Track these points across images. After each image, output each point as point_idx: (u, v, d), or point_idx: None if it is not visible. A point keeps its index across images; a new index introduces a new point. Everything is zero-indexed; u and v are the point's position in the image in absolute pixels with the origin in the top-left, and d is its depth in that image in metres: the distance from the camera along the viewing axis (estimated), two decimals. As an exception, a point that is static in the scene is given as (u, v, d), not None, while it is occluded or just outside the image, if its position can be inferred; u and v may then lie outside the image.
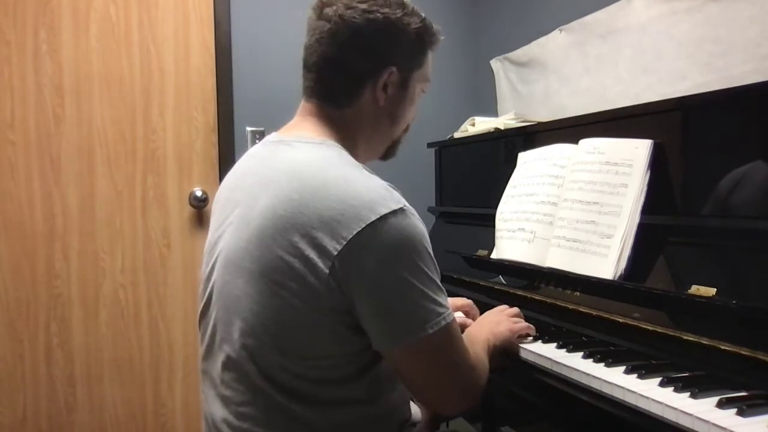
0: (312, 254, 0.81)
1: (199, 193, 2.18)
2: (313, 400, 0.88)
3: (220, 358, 0.93)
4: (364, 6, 0.92)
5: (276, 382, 0.87)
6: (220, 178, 2.21)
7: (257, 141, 2.28)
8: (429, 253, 0.86)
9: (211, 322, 0.96)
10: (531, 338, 1.17)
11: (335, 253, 0.80)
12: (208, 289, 0.98)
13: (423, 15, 0.99)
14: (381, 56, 0.94)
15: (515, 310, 1.21)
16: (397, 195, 0.86)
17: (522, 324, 1.17)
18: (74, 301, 2.05)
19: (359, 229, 0.80)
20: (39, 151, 2.01)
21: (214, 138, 2.22)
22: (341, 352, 0.87)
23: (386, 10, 0.93)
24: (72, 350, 2.05)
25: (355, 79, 0.95)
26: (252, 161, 1.00)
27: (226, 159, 2.22)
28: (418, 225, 0.85)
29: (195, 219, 2.20)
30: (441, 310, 0.85)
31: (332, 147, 0.93)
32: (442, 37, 1.04)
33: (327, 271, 0.81)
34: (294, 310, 0.83)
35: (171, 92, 2.16)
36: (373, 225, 0.80)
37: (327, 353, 0.87)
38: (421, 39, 0.99)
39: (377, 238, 0.80)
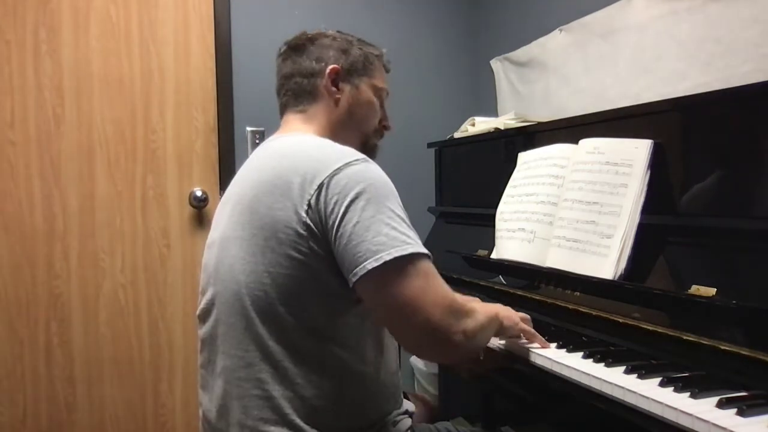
0: (291, 205, 0.92)
1: (199, 193, 2.18)
2: (312, 360, 0.94)
3: (220, 331, 1.00)
4: (305, 34, 1.17)
5: (274, 339, 0.94)
6: (220, 178, 2.22)
7: (257, 141, 2.28)
8: (395, 195, 0.94)
9: (209, 299, 1.04)
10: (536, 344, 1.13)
11: (309, 198, 0.91)
12: (207, 279, 1.06)
13: (357, 37, 1.19)
14: (322, 58, 1.13)
15: (526, 315, 1.18)
16: (359, 153, 0.98)
17: (529, 327, 1.14)
18: (74, 301, 2.05)
19: (327, 175, 0.92)
20: (39, 151, 2.01)
21: (214, 138, 2.22)
22: (330, 305, 0.94)
23: (322, 32, 1.17)
24: (72, 350, 2.05)
25: (306, 78, 1.12)
26: (245, 164, 1.13)
27: (226, 159, 2.22)
28: (381, 172, 0.96)
29: (195, 219, 2.20)
30: (407, 240, 0.90)
31: (309, 134, 1.10)
32: (385, 51, 1.22)
33: (306, 218, 0.91)
34: (284, 262, 0.92)
35: (171, 92, 2.16)
36: (338, 170, 0.92)
37: (318, 305, 0.94)
38: (361, 50, 1.16)
39: (342, 181, 0.91)
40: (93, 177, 2.07)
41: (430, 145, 2.16)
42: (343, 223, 0.89)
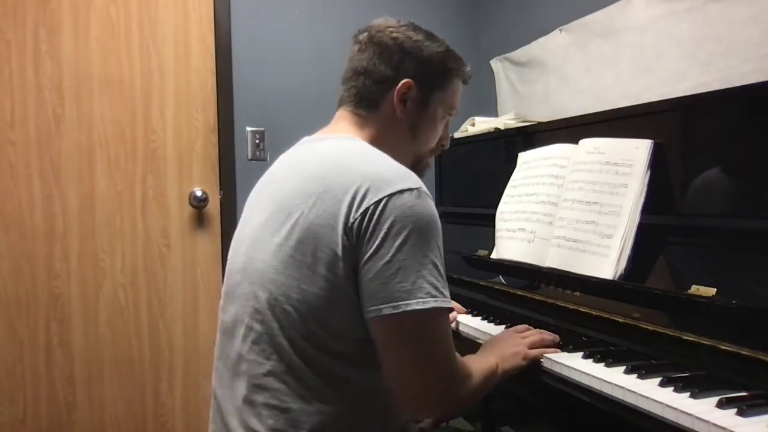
0: (334, 224, 0.88)
1: (199, 193, 2.18)
2: (333, 377, 0.91)
3: (240, 332, 0.96)
4: (391, 30, 1.06)
5: (297, 353, 0.90)
6: (221, 178, 2.22)
7: (257, 141, 2.28)
8: (436, 238, 0.89)
9: (235, 301, 1.00)
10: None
11: (352, 221, 0.87)
12: (234, 274, 1.02)
13: (448, 45, 1.10)
14: (399, 67, 1.04)
15: (524, 327, 1.17)
16: (416, 178, 0.92)
17: (535, 338, 1.11)
18: (74, 301, 2.05)
19: (376, 200, 0.86)
20: (39, 151, 2.01)
21: (214, 138, 2.22)
22: (352, 324, 0.90)
23: (410, 33, 1.06)
24: (72, 350, 2.05)
25: (377, 85, 1.04)
26: (285, 159, 1.07)
27: (226, 159, 2.22)
28: (431, 207, 0.90)
29: (195, 219, 2.20)
30: (433, 292, 0.86)
31: (360, 141, 1.02)
32: (468, 70, 1.13)
33: (345, 239, 0.87)
34: (318, 281, 0.89)
35: (171, 92, 2.16)
36: (389, 197, 0.87)
37: (341, 323, 0.90)
38: (444, 64, 1.07)
39: (390, 211, 0.86)
40: (93, 177, 2.07)
41: (430, 145, 2.15)
42: (376, 257, 0.86)
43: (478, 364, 0.99)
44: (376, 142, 1.03)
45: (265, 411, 0.92)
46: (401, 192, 0.87)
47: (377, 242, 0.86)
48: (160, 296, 2.16)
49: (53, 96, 2.02)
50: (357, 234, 0.87)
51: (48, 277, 2.02)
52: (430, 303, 0.85)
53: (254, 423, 0.93)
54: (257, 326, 0.94)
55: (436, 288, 0.87)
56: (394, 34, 1.05)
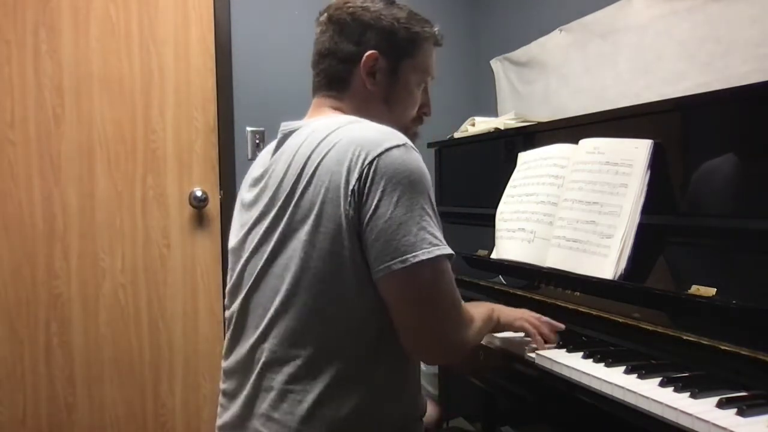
0: (335, 197, 0.89)
1: (199, 193, 2.18)
2: (348, 359, 0.92)
3: (251, 320, 0.97)
4: (349, 5, 1.05)
5: (313, 336, 0.91)
6: (220, 178, 2.22)
7: (257, 141, 2.28)
8: (428, 189, 0.92)
9: (240, 284, 1.00)
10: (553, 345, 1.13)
11: (353, 187, 0.89)
12: (239, 264, 1.02)
13: (411, 9, 1.09)
14: (361, 41, 1.03)
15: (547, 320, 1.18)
16: (400, 134, 0.94)
17: (544, 321, 1.14)
18: (74, 301, 2.05)
19: (368, 161, 0.89)
20: (39, 151, 2.01)
21: (214, 138, 2.22)
22: (362, 297, 0.92)
23: (368, 4, 1.05)
24: (72, 350, 2.05)
25: (342, 64, 1.04)
26: (269, 152, 1.07)
27: (226, 159, 2.23)
28: (419, 161, 0.92)
29: (195, 219, 2.20)
30: (435, 241, 0.89)
31: (340, 115, 1.04)
32: (437, 31, 1.13)
33: (349, 209, 0.89)
34: (326, 257, 0.90)
35: (171, 92, 2.16)
36: (379, 156, 0.89)
37: (357, 300, 0.91)
38: (407, 29, 1.06)
39: (383, 170, 0.88)
40: (93, 177, 2.07)
41: (430, 145, 2.16)
42: (375, 217, 0.88)
43: (477, 310, 1.04)
44: (357, 116, 1.04)
45: (278, 396, 0.92)
46: (389, 150, 0.90)
47: (375, 202, 0.88)
48: (160, 296, 2.16)
49: (53, 96, 2.02)
50: (358, 199, 0.89)
51: (48, 277, 2.02)
52: (435, 251, 0.88)
53: (268, 410, 0.93)
54: (270, 311, 0.94)
55: (436, 237, 0.90)
56: (351, 9, 1.04)
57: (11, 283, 1.98)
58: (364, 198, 0.88)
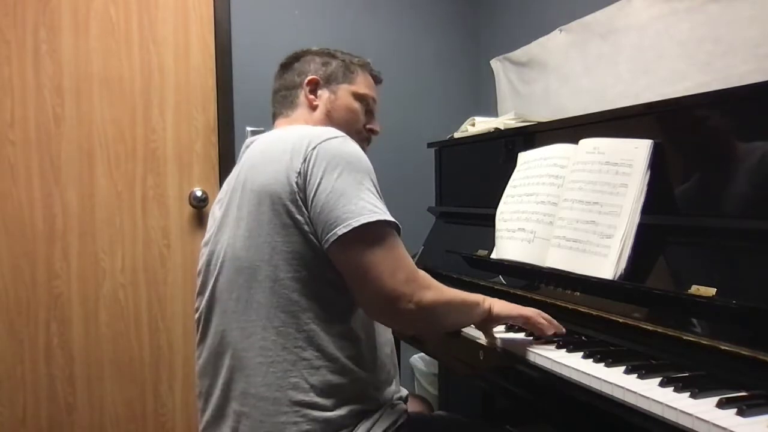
0: (284, 177, 1.00)
1: (199, 193, 2.18)
2: (315, 326, 1.01)
3: (219, 308, 1.07)
4: (294, 53, 1.30)
5: (279, 308, 1.00)
6: (220, 178, 2.22)
7: (257, 141, 2.28)
8: (368, 172, 1.02)
9: (213, 292, 1.09)
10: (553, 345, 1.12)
11: (298, 168, 0.99)
12: (205, 257, 1.13)
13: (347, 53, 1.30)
14: (304, 71, 1.25)
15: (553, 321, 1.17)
16: (336, 131, 1.06)
17: (538, 317, 1.14)
18: (74, 301, 2.06)
19: (311, 147, 1.00)
20: (39, 151, 2.01)
21: (214, 138, 2.22)
22: (324, 271, 1.01)
23: (311, 49, 1.29)
24: (72, 350, 2.05)
25: (289, 90, 1.26)
26: (238, 166, 1.18)
27: (226, 159, 2.22)
28: (358, 149, 1.05)
29: (195, 219, 2.20)
30: (376, 210, 0.97)
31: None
32: (369, 62, 1.31)
33: (296, 186, 0.99)
34: (282, 231, 0.99)
35: (171, 92, 2.16)
36: (320, 143, 1.01)
37: (316, 271, 1.00)
38: (342, 60, 1.27)
39: (323, 153, 1.00)
40: (93, 177, 2.07)
41: (430, 145, 2.16)
42: (319, 191, 0.97)
43: (462, 291, 1.09)
44: None
45: (253, 371, 1.00)
46: (329, 139, 1.02)
47: (318, 180, 0.98)
48: (160, 296, 2.16)
49: (53, 96, 2.02)
50: (303, 176, 0.99)
51: (48, 277, 2.02)
52: (376, 216, 0.96)
53: (245, 387, 1.01)
54: (234, 294, 1.04)
55: (378, 207, 0.98)
56: (295, 53, 1.29)
57: (11, 283, 1.98)
58: (309, 178, 0.98)
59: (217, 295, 1.08)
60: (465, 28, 2.66)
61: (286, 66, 1.29)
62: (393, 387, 1.15)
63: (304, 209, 0.99)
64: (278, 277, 1.00)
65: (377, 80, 1.32)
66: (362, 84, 1.28)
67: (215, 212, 1.17)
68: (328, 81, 1.24)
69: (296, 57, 1.28)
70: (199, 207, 2.19)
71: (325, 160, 0.99)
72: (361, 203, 0.97)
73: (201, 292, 1.13)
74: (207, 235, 1.17)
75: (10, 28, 1.96)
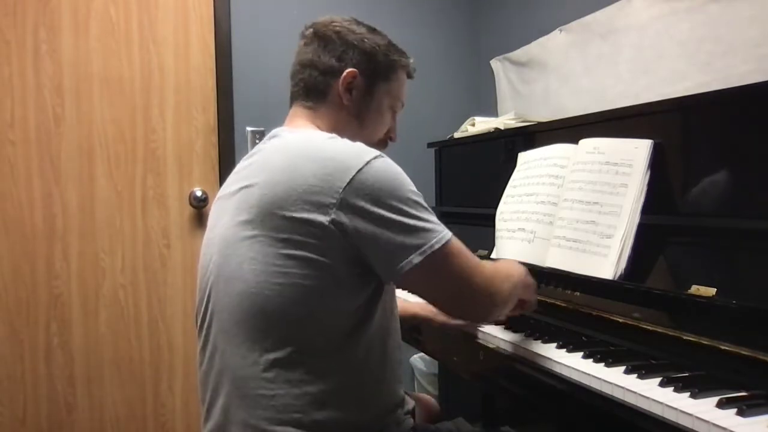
0: (313, 208, 0.91)
1: (199, 193, 2.18)
2: (319, 356, 0.95)
3: (220, 329, 1.00)
4: (335, 24, 1.11)
5: (281, 339, 0.94)
6: (220, 178, 2.22)
7: (257, 141, 2.28)
8: (408, 186, 0.96)
9: (210, 299, 1.03)
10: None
11: (334, 201, 0.91)
12: (207, 277, 1.05)
13: (390, 39, 1.15)
14: (343, 58, 1.08)
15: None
16: (369, 149, 0.97)
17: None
18: (74, 301, 2.06)
19: (349, 178, 0.91)
20: (39, 151, 2.01)
21: (214, 138, 2.22)
22: (342, 302, 0.96)
23: (353, 27, 1.11)
24: (72, 350, 2.05)
25: (322, 76, 1.09)
26: (247, 159, 1.11)
27: (226, 159, 2.22)
28: (392, 167, 0.97)
29: (195, 219, 2.20)
30: (437, 227, 0.95)
31: (314, 130, 1.08)
32: (411, 62, 1.18)
33: (328, 223, 0.91)
34: (301, 263, 0.92)
35: (171, 92, 2.16)
36: (360, 172, 0.92)
37: (330, 303, 0.95)
38: (386, 55, 1.12)
39: (365, 182, 0.92)
40: (93, 177, 2.07)
41: (430, 145, 2.16)
42: (373, 225, 0.91)
43: (502, 265, 1.13)
44: (329, 130, 1.08)
45: (253, 402, 0.94)
46: (369, 163, 0.93)
47: (367, 212, 0.91)
48: (160, 296, 2.16)
49: (53, 96, 2.02)
50: (342, 214, 0.91)
51: (48, 277, 2.02)
52: (447, 236, 0.95)
53: (245, 417, 0.95)
54: (237, 317, 0.97)
55: (438, 223, 0.96)
56: (337, 28, 1.10)
57: (11, 283, 1.98)
58: (355, 211, 0.91)
59: (216, 309, 1.01)
60: (465, 28, 2.66)
61: (324, 38, 1.09)
62: (398, 412, 1.08)
63: (341, 243, 0.91)
64: (285, 310, 0.93)
65: (410, 77, 1.20)
66: (399, 87, 1.16)
67: (224, 209, 1.07)
68: (368, 78, 1.10)
69: (338, 32, 1.09)
70: (199, 207, 2.19)
71: (372, 188, 0.91)
72: (427, 226, 0.94)
73: (200, 300, 1.07)
74: (210, 234, 1.09)
75: (10, 28, 1.96)
